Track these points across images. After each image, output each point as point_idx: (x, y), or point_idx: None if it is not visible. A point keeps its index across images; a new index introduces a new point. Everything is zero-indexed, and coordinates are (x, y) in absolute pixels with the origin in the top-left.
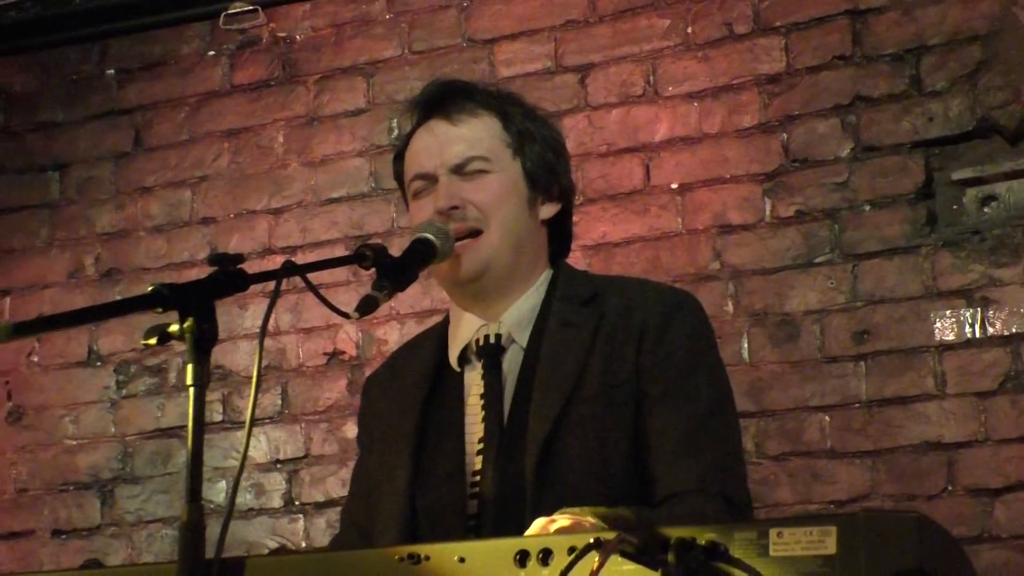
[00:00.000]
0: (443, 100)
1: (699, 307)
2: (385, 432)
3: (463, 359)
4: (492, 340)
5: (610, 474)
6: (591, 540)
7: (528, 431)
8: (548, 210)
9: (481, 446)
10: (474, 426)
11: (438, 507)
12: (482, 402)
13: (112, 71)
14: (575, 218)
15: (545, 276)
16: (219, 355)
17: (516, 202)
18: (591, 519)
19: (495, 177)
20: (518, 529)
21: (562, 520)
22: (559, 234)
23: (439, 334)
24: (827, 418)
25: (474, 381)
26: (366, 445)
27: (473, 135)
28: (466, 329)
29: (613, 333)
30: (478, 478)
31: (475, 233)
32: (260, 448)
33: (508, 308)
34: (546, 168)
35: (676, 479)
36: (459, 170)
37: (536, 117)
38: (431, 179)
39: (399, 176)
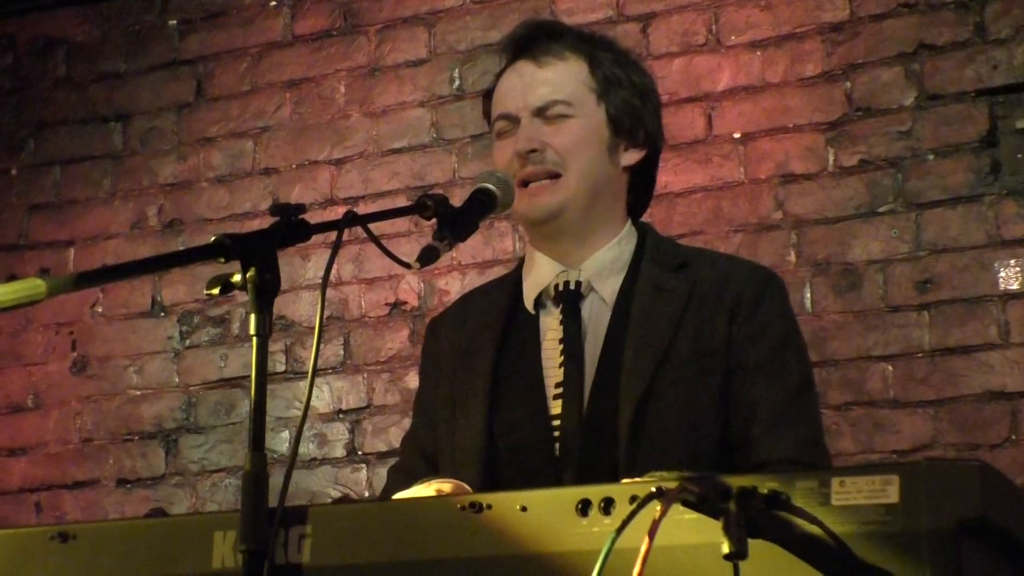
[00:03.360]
0: (532, 42)
1: (785, 286)
2: (457, 368)
3: (538, 303)
4: (572, 286)
5: (699, 438)
6: (653, 489)
7: (621, 388)
8: (631, 156)
9: (560, 391)
10: (551, 370)
11: (523, 447)
12: (560, 347)
13: (174, 21)
14: None
15: (628, 231)
16: (281, 305)
17: (596, 147)
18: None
19: (576, 122)
20: (609, 480)
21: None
22: (641, 184)
23: (512, 278)
24: (890, 368)
25: (551, 326)
26: (432, 377)
27: (558, 78)
28: (544, 272)
29: (705, 303)
30: (558, 422)
31: (553, 176)
32: (323, 398)
33: (588, 256)
34: (631, 114)
35: (770, 448)
36: (541, 113)
37: (626, 62)
38: (514, 120)
39: (487, 115)
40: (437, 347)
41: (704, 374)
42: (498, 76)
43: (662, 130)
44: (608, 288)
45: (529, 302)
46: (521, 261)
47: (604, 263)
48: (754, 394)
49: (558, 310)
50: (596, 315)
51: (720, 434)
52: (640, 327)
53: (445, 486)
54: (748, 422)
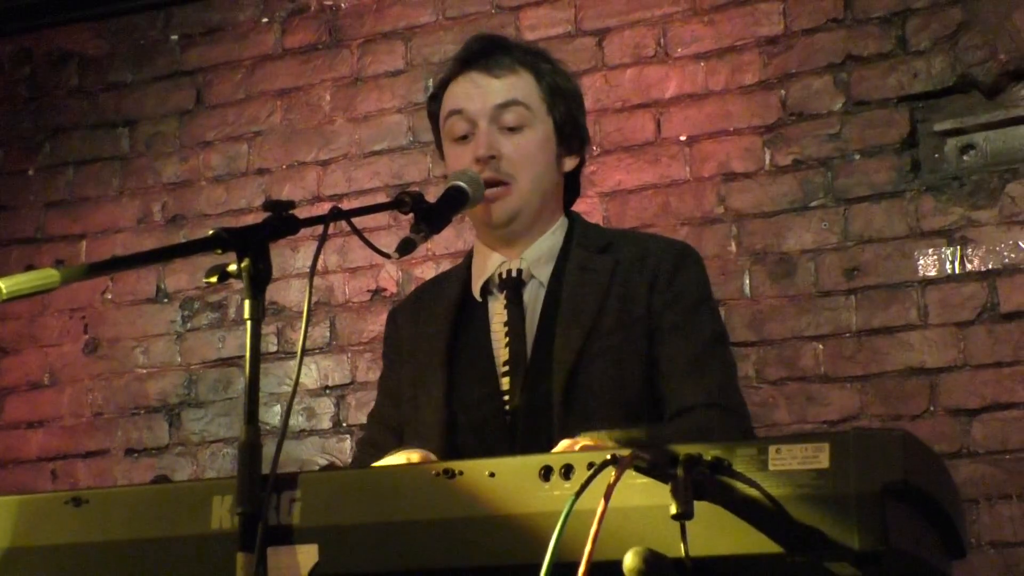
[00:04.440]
0: (484, 54)
1: (700, 258)
2: (415, 351)
3: (485, 291)
4: (514, 274)
5: (627, 398)
6: (608, 456)
7: (554, 360)
8: (570, 163)
9: (507, 368)
10: (499, 350)
11: (480, 421)
12: (506, 329)
13: (176, 36)
14: (592, 168)
15: (561, 222)
16: (273, 292)
17: (545, 159)
18: (610, 442)
19: (531, 132)
20: (547, 444)
21: (585, 441)
22: (572, 181)
23: (462, 270)
24: (820, 346)
25: (497, 310)
26: (394, 360)
27: (514, 87)
28: (490, 263)
29: (628, 277)
30: (507, 397)
31: (505, 183)
32: (311, 375)
33: (528, 247)
34: (572, 123)
35: (686, 395)
36: (498, 118)
37: (561, 72)
38: (471, 122)
39: (434, 116)
40: (397, 335)
41: (629, 341)
42: (446, 82)
43: (588, 134)
44: (544, 273)
45: (476, 291)
46: (469, 255)
47: (541, 252)
48: (670, 351)
49: (503, 296)
50: (535, 298)
51: (647, 398)
52: (570, 304)
53: (414, 455)
54: (666, 376)
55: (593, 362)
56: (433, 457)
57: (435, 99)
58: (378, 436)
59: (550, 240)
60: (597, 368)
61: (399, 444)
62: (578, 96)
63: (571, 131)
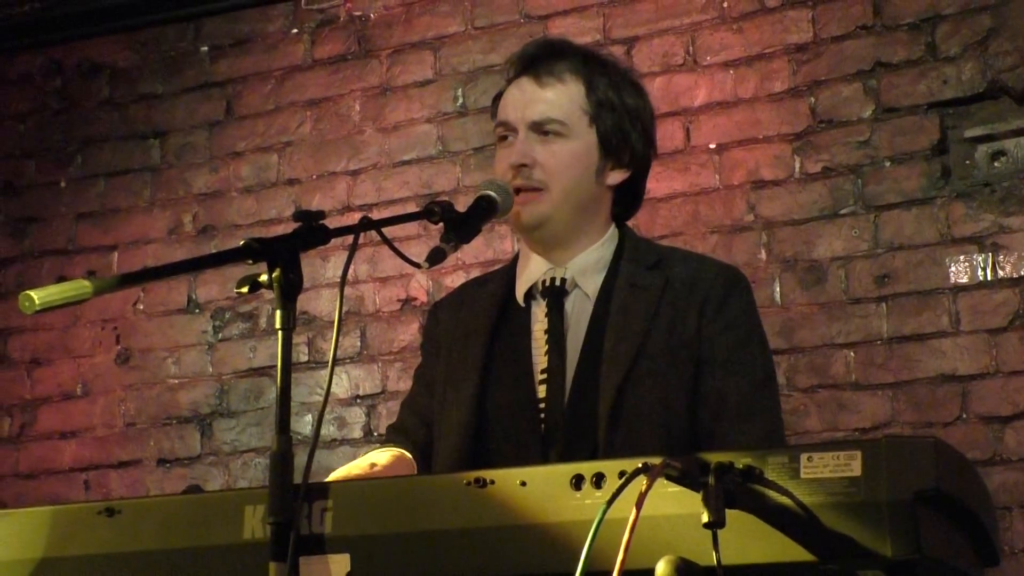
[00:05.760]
0: (537, 60)
1: (750, 285)
2: (452, 347)
3: (529, 296)
4: (558, 283)
5: (671, 424)
6: (639, 465)
7: (601, 376)
8: (616, 176)
9: (544, 376)
10: (539, 357)
11: (512, 427)
12: (546, 336)
13: (205, 48)
14: None
15: (611, 234)
16: (304, 302)
17: (582, 170)
18: None
19: (567, 143)
20: (588, 459)
21: None
22: (627, 195)
23: (507, 272)
24: (852, 354)
25: (539, 317)
26: (432, 354)
27: (556, 98)
28: (534, 269)
29: (677, 298)
30: (543, 405)
31: (539, 189)
32: (342, 385)
33: (574, 257)
34: (620, 137)
35: (734, 439)
36: (537, 128)
37: (622, 84)
38: (512, 129)
39: (493, 117)
40: (437, 329)
41: (676, 365)
42: (508, 83)
43: (653, 147)
44: (591, 285)
45: (520, 295)
46: (517, 257)
47: (588, 263)
48: (720, 387)
49: (545, 303)
50: (579, 309)
51: (689, 422)
52: (619, 320)
53: (381, 457)
54: (715, 414)
55: (641, 382)
56: (409, 457)
57: (496, 101)
58: (407, 423)
59: (598, 252)
60: (644, 389)
61: (428, 434)
62: (635, 110)
63: (619, 144)
